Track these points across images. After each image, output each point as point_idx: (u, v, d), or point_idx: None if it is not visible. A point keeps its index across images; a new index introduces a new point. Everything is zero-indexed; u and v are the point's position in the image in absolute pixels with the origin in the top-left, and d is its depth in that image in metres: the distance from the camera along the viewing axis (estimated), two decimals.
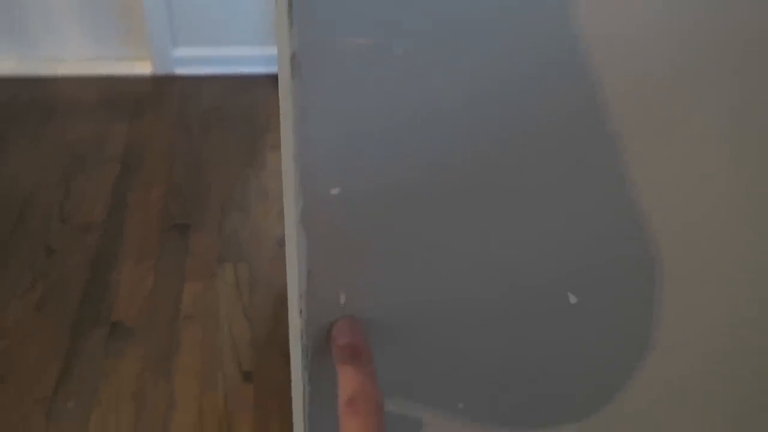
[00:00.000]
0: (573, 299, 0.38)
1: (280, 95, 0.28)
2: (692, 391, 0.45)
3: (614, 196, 0.35)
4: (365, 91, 0.28)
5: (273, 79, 2.06)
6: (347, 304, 0.34)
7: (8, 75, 1.96)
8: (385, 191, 0.31)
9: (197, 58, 2.05)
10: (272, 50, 2.02)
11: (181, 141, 1.79)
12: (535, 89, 0.30)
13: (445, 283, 0.35)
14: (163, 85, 2.00)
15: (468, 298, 0.36)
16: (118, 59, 2.04)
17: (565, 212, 0.35)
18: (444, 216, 0.33)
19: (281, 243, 1.48)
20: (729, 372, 0.45)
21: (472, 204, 0.33)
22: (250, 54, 2.06)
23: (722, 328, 0.42)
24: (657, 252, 0.37)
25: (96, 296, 1.36)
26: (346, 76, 0.27)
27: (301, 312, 0.34)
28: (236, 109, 1.93)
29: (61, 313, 1.32)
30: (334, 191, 0.30)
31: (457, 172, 0.32)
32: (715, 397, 0.46)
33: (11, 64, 1.98)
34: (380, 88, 0.28)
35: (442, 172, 0.31)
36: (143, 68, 2.04)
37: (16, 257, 1.43)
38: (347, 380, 0.32)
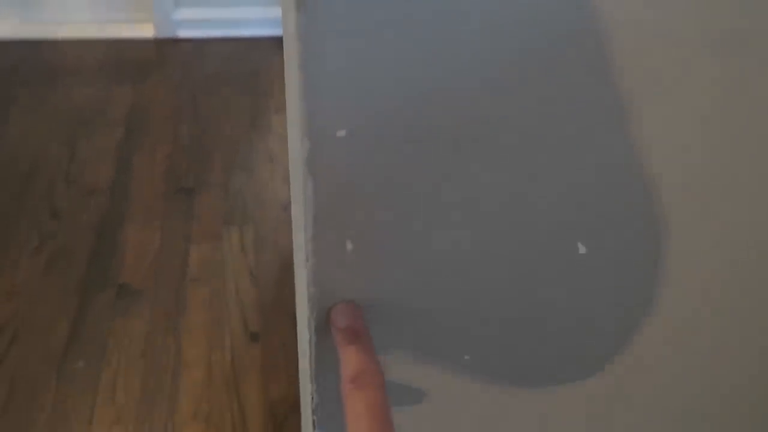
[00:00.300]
0: (582, 249, 0.38)
1: (283, 30, 0.27)
2: (699, 344, 0.45)
3: (622, 144, 0.34)
4: (373, 26, 0.27)
5: (277, 42, 2.03)
6: (354, 252, 0.34)
7: (10, 38, 1.94)
8: (392, 134, 0.30)
9: (200, 21, 2.02)
10: (276, 12, 1.99)
11: (185, 105, 1.78)
12: (543, 31, 0.29)
13: (452, 230, 0.35)
14: (165, 48, 1.98)
15: (476, 244, 0.36)
16: (119, 22, 2.02)
17: (575, 158, 0.34)
18: (452, 161, 0.32)
19: (286, 207, 1.48)
20: (735, 324, 0.44)
21: (482, 149, 0.32)
22: (253, 16, 2.03)
23: (728, 280, 0.42)
24: (663, 202, 0.37)
25: (103, 258, 1.37)
26: (354, 10, 0.27)
27: (307, 259, 0.34)
28: (240, 72, 1.91)
29: (69, 275, 1.33)
30: (341, 133, 0.29)
31: (467, 116, 0.31)
32: (720, 349, 0.46)
33: (13, 27, 1.96)
34: (389, 23, 0.27)
35: (451, 113, 0.30)
36: (145, 31, 2.02)
37: (23, 220, 1.44)
38: (350, 360, 0.33)
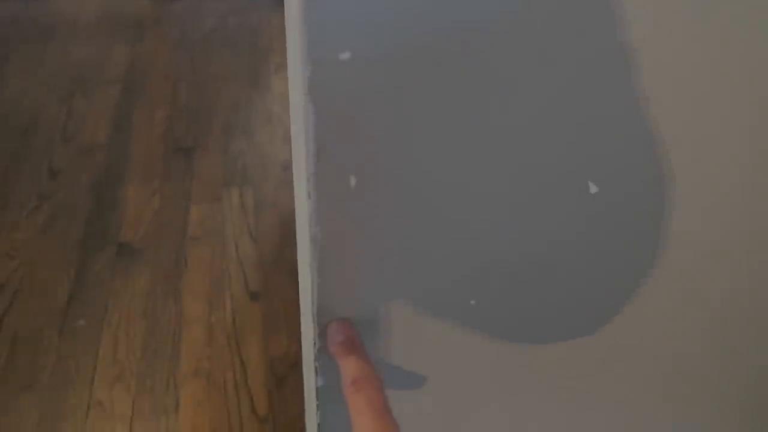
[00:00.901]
0: (593, 188, 0.37)
1: None
2: (706, 292, 0.44)
3: (631, 82, 0.32)
4: None
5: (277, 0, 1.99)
6: (357, 187, 0.33)
7: None
8: (399, 58, 0.29)
9: None
10: None
11: (183, 63, 1.75)
12: None
13: (460, 166, 0.33)
14: (162, 5, 1.94)
15: (484, 180, 0.34)
16: None
17: (586, 90, 0.32)
18: (461, 89, 0.31)
19: (286, 167, 1.46)
20: (743, 271, 0.43)
21: (491, 79, 0.31)
22: None
23: (737, 226, 0.41)
24: (670, 144, 0.35)
25: (102, 218, 1.36)
26: None
27: (309, 196, 0.33)
28: (238, 31, 1.88)
29: (68, 234, 1.32)
30: (344, 56, 0.28)
31: (476, 42, 0.29)
32: (728, 297, 0.45)
33: None
34: None
35: (460, 40, 0.29)
36: None
37: (21, 178, 1.43)
38: (349, 367, 0.36)
